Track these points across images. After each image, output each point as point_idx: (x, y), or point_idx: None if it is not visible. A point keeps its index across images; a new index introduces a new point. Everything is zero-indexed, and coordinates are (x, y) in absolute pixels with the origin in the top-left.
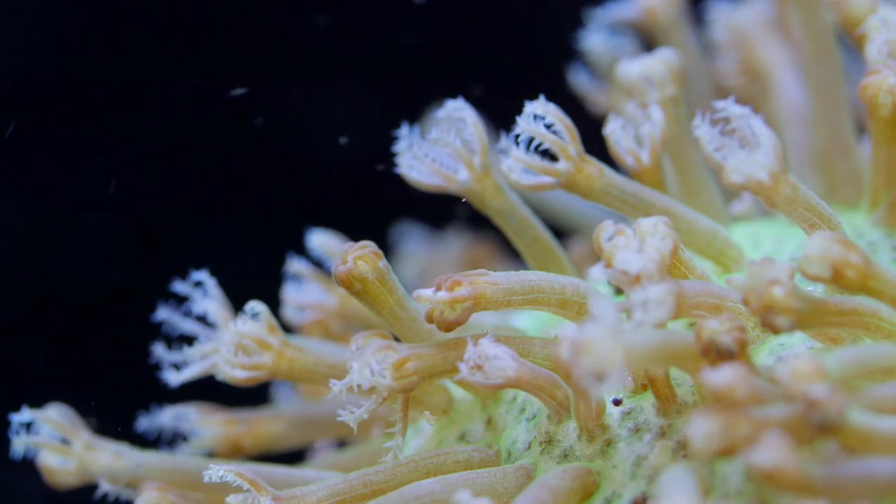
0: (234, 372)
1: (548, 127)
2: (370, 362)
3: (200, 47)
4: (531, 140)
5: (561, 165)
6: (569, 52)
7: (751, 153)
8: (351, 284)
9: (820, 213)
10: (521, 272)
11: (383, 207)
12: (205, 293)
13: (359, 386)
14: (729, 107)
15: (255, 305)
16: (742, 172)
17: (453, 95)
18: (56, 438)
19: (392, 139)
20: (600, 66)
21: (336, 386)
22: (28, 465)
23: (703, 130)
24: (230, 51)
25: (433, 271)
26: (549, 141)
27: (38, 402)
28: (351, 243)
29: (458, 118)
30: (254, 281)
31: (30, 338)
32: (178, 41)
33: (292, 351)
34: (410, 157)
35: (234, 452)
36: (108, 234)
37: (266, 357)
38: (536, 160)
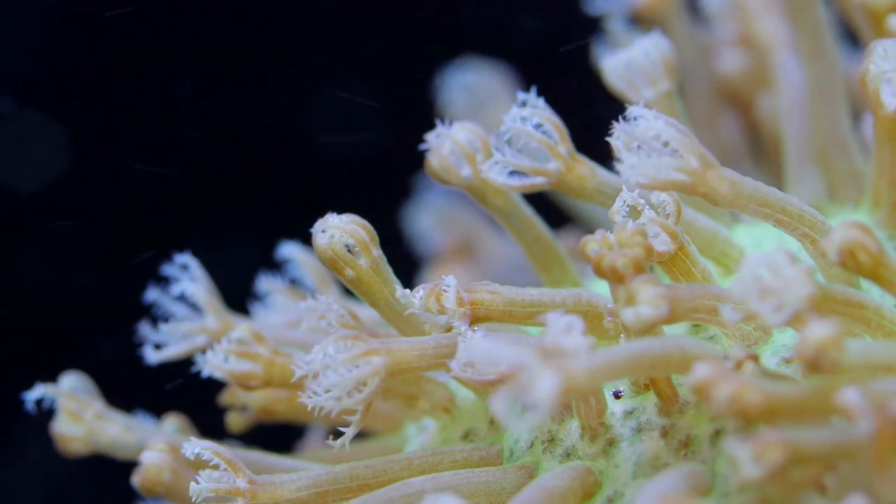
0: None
1: (537, 126)
2: (328, 350)
3: (200, 45)
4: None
5: (551, 165)
6: (568, 48)
7: (652, 154)
8: (342, 269)
9: (784, 209)
10: (524, 288)
11: (384, 206)
12: (190, 276)
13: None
14: (638, 111)
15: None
16: (644, 174)
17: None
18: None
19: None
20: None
21: (299, 370)
22: (28, 465)
23: (616, 138)
24: (230, 48)
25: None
26: (537, 140)
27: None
28: (332, 214)
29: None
30: (251, 280)
31: (23, 340)
32: (177, 38)
33: (283, 358)
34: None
35: (265, 416)
36: (108, 233)
37: (257, 367)
38: (525, 161)
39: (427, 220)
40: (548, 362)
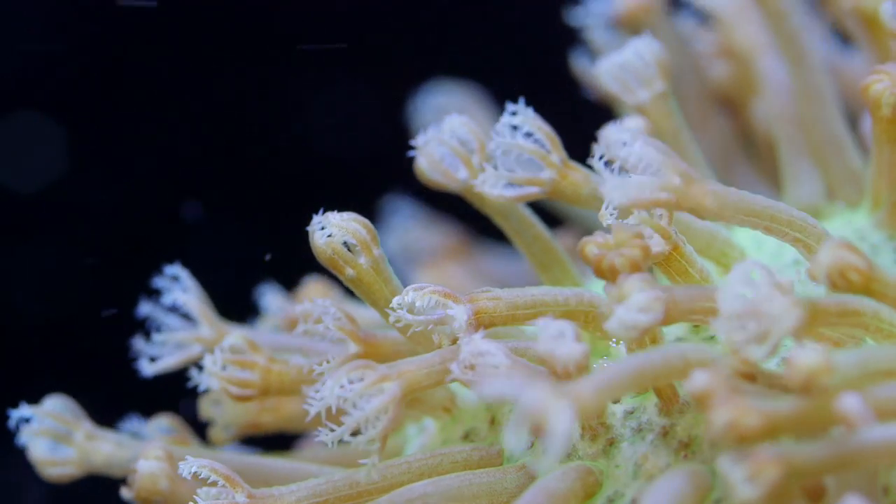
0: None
1: (527, 135)
2: (343, 382)
3: (200, 44)
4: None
5: (544, 174)
6: (565, 49)
7: (631, 175)
8: (341, 269)
9: (772, 217)
10: (525, 288)
11: (384, 205)
12: (182, 287)
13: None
14: (615, 134)
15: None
16: (626, 195)
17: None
18: (58, 429)
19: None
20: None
21: (312, 408)
22: (29, 465)
23: (597, 162)
24: (230, 48)
25: (417, 250)
26: (529, 151)
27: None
28: (330, 212)
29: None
30: (251, 281)
31: (22, 341)
32: (177, 38)
33: (280, 366)
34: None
35: (252, 430)
36: (108, 236)
37: (255, 375)
38: (518, 172)
39: (395, 245)
40: (558, 394)
